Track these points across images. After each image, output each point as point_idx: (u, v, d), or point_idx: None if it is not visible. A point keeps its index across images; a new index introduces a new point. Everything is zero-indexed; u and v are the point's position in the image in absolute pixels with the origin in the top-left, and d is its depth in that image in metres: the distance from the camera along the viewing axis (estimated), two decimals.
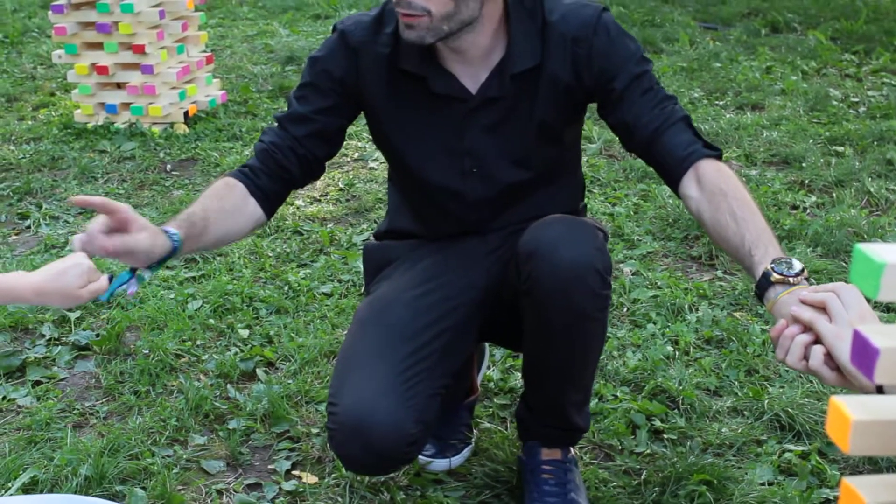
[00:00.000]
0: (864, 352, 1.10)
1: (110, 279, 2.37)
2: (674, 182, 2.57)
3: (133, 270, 2.40)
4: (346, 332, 3.07)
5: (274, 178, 2.72)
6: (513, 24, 2.62)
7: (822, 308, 2.06)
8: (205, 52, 6.77)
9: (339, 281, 4.26)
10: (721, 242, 2.43)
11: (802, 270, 2.20)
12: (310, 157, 2.75)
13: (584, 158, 5.38)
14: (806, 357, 2.05)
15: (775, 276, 2.20)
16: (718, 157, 2.56)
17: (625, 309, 4.00)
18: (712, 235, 2.47)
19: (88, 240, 2.29)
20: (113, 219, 2.34)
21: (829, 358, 2.02)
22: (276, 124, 2.77)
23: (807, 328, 2.06)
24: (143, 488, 2.99)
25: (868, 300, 1.98)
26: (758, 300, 2.28)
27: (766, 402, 3.33)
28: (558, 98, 2.66)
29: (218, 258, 4.44)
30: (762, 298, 2.23)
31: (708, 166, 2.52)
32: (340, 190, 5.22)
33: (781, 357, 2.09)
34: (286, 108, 2.78)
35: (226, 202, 2.62)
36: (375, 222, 4.77)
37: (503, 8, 2.62)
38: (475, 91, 2.66)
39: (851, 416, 1.11)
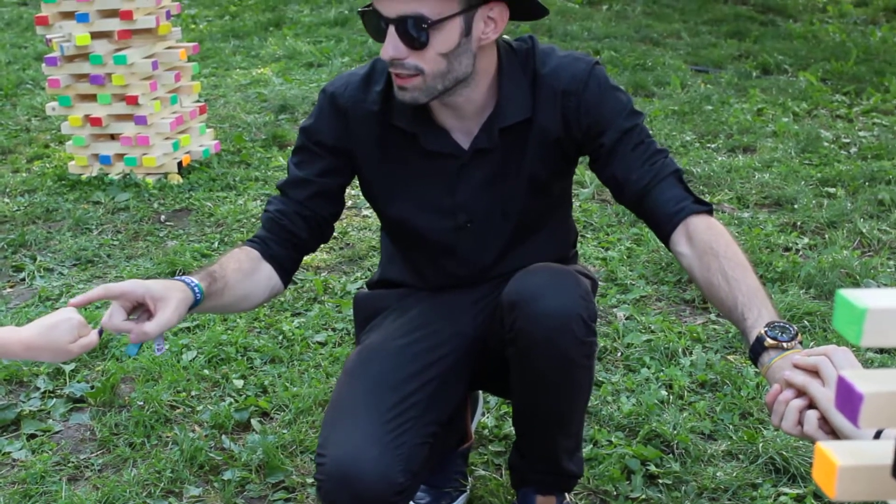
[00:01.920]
0: (849, 397, 1.10)
1: (100, 333, 2.37)
2: (664, 238, 2.58)
3: None
4: None
5: (284, 244, 2.73)
6: (504, 77, 2.62)
7: (814, 372, 2.06)
8: (198, 101, 6.80)
9: (334, 329, 4.26)
10: (715, 303, 2.43)
11: (796, 335, 2.21)
12: (317, 218, 2.76)
13: (576, 203, 5.41)
14: (801, 422, 2.06)
15: (769, 342, 2.20)
16: (709, 212, 2.57)
17: (619, 353, 4.01)
18: (706, 295, 2.47)
19: (136, 338, 2.33)
20: (124, 301, 2.34)
21: (824, 422, 2.02)
22: (278, 193, 2.79)
23: (801, 393, 2.07)
24: None
25: (853, 346, 1.99)
26: (752, 363, 2.28)
27: (761, 445, 3.33)
28: (548, 151, 2.67)
29: None
30: (756, 363, 2.24)
31: (698, 223, 2.52)
32: (334, 238, 5.22)
33: (777, 423, 2.09)
34: (286, 176, 2.79)
35: (244, 264, 2.64)
36: (369, 270, 4.78)
37: (497, 62, 2.63)
38: (467, 146, 2.67)
39: (837, 462, 1.11)
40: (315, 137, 2.73)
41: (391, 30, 2.44)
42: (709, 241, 2.47)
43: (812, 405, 2.04)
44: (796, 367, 2.10)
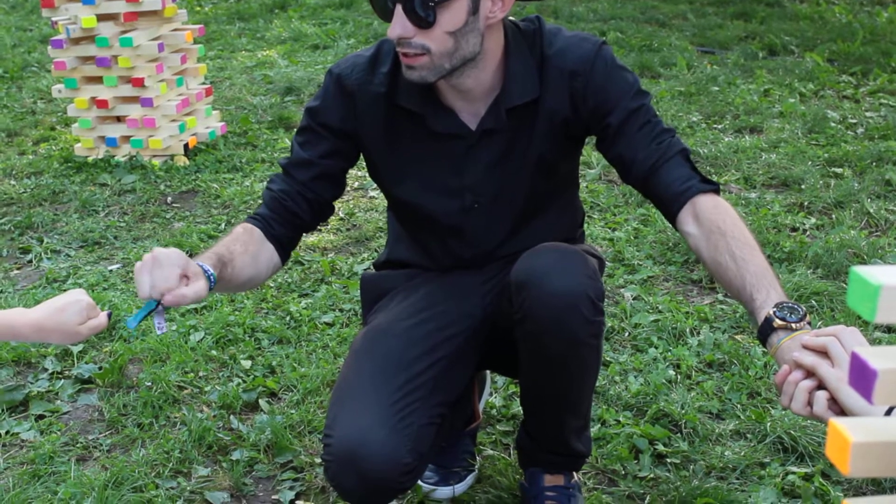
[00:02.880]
0: (863, 374, 1.10)
1: (109, 315, 2.37)
2: (671, 217, 2.57)
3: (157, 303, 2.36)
4: None
5: (286, 224, 2.74)
6: (511, 57, 2.61)
7: (823, 352, 2.06)
8: (204, 84, 6.79)
9: (341, 310, 4.26)
10: (722, 283, 2.42)
11: (804, 315, 2.20)
12: (319, 200, 2.76)
13: (583, 184, 5.41)
14: (810, 403, 2.06)
15: (777, 322, 2.19)
16: (716, 191, 2.56)
17: (626, 334, 4.01)
18: (713, 275, 2.46)
19: (174, 299, 2.32)
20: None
21: (834, 402, 2.02)
22: (281, 171, 2.78)
23: (810, 374, 2.07)
24: None
25: (862, 325, 2.00)
26: (761, 344, 2.28)
27: (769, 424, 3.33)
28: (555, 132, 2.67)
29: None
30: (765, 343, 2.23)
31: (705, 202, 2.51)
32: (341, 219, 5.22)
33: (786, 404, 2.09)
34: (290, 154, 2.79)
35: (249, 246, 2.64)
36: (376, 251, 4.78)
37: (504, 42, 2.62)
38: (475, 127, 2.66)
39: (851, 438, 1.11)
40: (320, 119, 2.73)
41: (398, 9, 2.43)
42: (716, 220, 2.46)
43: (821, 386, 2.04)
44: (805, 347, 2.10)
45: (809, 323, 2.20)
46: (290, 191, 2.74)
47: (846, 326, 2.06)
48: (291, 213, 2.74)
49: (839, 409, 2.02)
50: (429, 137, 2.68)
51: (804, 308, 2.22)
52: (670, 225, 2.63)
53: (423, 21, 2.43)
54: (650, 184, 2.60)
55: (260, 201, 5.33)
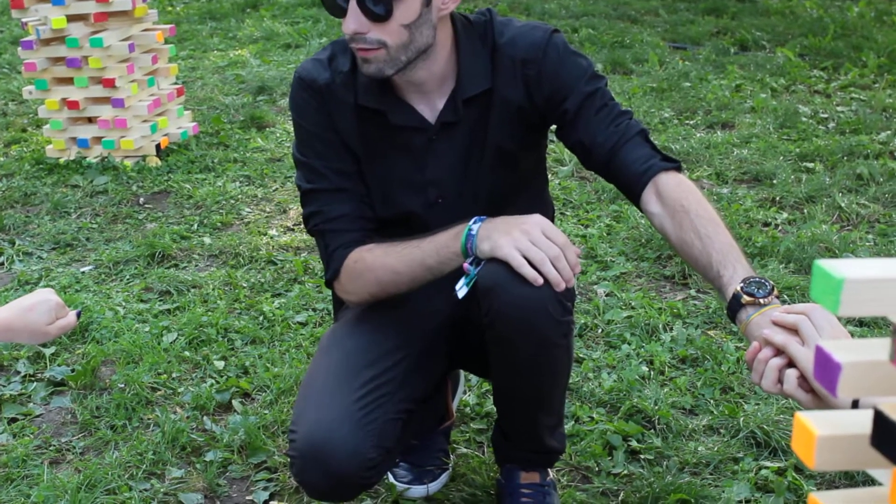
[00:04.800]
0: (827, 367, 1.10)
1: (78, 314, 2.36)
2: (635, 198, 2.58)
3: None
4: None
5: (372, 236, 2.74)
6: (462, 49, 2.62)
7: (794, 330, 2.07)
8: (176, 84, 6.77)
9: (314, 310, 4.26)
10: (688, 261, 2.44)
11: (772, 290, 2.21)
12: (367, 193, 2.77)
13: (556, 181, 5.41)
14: (780, 380, 2.06)
15: (745, 298, 2.20)
16: (677, 168, 2.57)
17: (599, 330, 4.01)
18: (679, 253, 2.48)
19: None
20: None
21: (804, 380, 2.03)
22: (320, 193, 2.75)
23: (780, 351, 2.07)
24: None
25: None
26: (730, 321, 2.29)
27: (742, 419, 3.34)
28: (512, 121, 2.68)
29: (192, 290, 4.44)
30: (734, 320, 2.24)
31: (667, 180, 2.52)
32: None
33: (756, 381, 2.10)
34: (309, 173, 2.74)
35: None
36: None
37: (453, 34, 2.63)
38: (433, 120, 2.67)
39: (816, 432, 1.12)
40: (313, 122, 2.72)
41: (352, 4, 2.44)
42: (679, 198, 2.47)
43: (791, 364, 2.05)
44: (775, 324, 2.10)
45: (778, 297, 2.21)
46: (355, 204, 2.73)
47: (817, 305, 2.06)
48: (369, 220, 2.75)
49: (809, 387, 2.03)
50: (391, 132, 2.69)
51: (771, 283, 2.23)
52: (636, 209, 2.64)
53: (379, 16, 2.44)
54: (612, 166, 2.61)
55: (233, 201, 5.31)
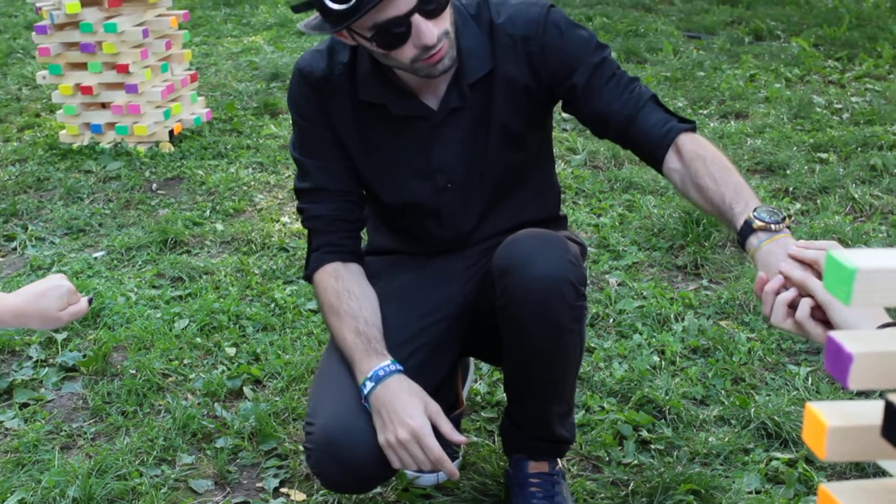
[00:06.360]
0: (838, 358, 1.10)
1: (90, 301, 2.36)
2: (657, 161, 2.58)
3: None
4: None
5: (353, 235, 2.78)
6: (462, 33, 2.61)
7: (810, 266, 2.05)
8: (189, 70, 6.77)
9: None
10: (703, 204, 2.45)
11: (784, 218, 2.22)
12: (356, 192, 2.79)
13: (568, 169, 5.40)
14: (790, 315, 2.05)
15: (757, 223, 2.22)
16: (693, 129, 2.59)
17: (611, 320, 4.01)
18: (694, 200, 2.48)
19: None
20: None
21: (817, 309, 2.01)
22: (306, 192, 2.77)
23: (788, 283, 2.06)
24: None
25: None
26: (739, 248, 2.29)
27: (753, 410, 3.34)
28: (517, 100, 2.67)
29: (204, 276, 4.44)
30: (744, 246, 2.25)
31: (685, 139, 2.54)
32: None
33: (766, 313, 2.08)
34: (300, 171, 2.78)
35: (363, 300, 2.70)
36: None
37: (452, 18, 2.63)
38: (437, 107, 2.66)
39: (827, 423, 1.11)
40: (308, 116, 2.73)
41: (417, 17, 2.39)
42: (695, 150, 2.50)
43: (802, 295, 2.03)
44: (792, 258, 2.09)
45: (789, 227, 2.22)
46: (335, 205, 2.75)
47: (837, 242, 2.06)
48: (350, 222, 2.76)
49: (822, 317, 2.01)
50: (393, 124, 2.69)
51: (784, 212, 2.23)
52: (656, 172, 2.64)
53: (440, 10, 2.43)
54: (630, 134, 2.61)
55: (246, 188, 5.32)
